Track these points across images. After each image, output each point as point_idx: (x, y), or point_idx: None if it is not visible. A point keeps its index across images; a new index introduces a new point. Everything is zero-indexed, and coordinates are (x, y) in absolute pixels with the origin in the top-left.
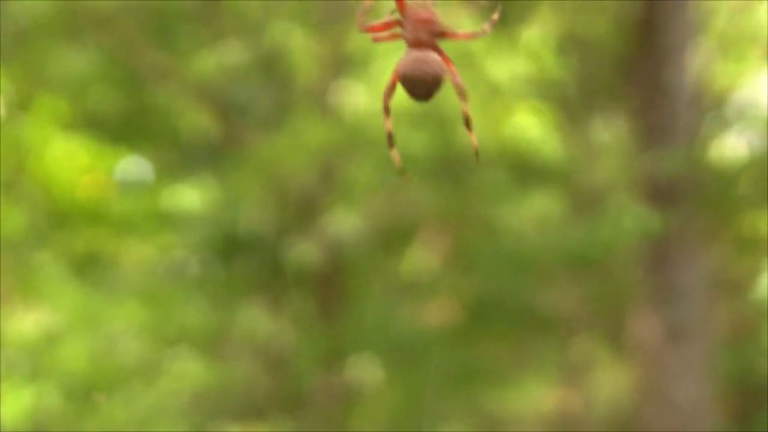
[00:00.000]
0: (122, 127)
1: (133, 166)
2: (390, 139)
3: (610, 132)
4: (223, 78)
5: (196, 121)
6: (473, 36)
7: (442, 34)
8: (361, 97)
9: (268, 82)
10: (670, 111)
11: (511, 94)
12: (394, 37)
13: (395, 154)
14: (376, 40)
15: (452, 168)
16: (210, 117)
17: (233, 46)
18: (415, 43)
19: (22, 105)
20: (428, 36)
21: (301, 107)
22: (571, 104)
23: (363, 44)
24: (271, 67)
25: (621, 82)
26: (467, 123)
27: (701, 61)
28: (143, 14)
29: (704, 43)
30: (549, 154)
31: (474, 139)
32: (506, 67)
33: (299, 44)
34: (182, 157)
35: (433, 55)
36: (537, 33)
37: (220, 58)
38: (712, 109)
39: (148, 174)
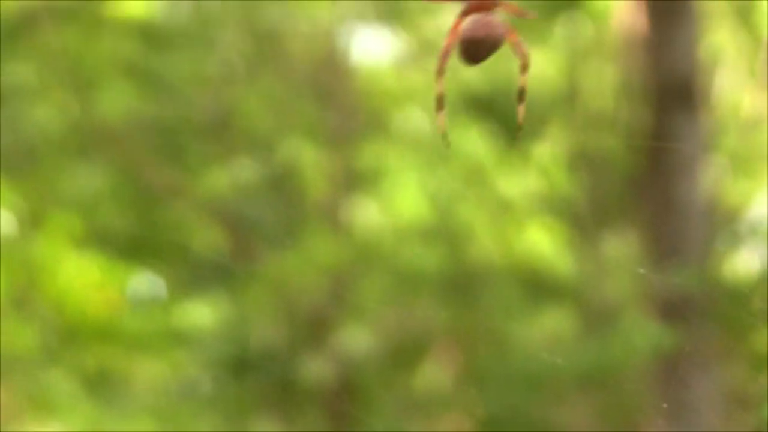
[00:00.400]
0: (134, 243)
1: (145, 283)
2: (440, 102)
3: (621, 248)
4: (234, 194)
5: (208, 237)
6: (523, 14)
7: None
8: (372, 213)
9: (279, 199)
10: (682, 227)
11: (522, 210)
12: None
13: (442, 118)
14: None
15: (464, 284)
16: (221, 233)
17: (244, 163)
18: (476, 6)
19: (33, 222)
20: None
21: (312, 223)
22: (582, 220)
23: (374, 160)
24: (282, 184)
25: (632, 198)
26: (521, 96)
27: (713, 178)
28: (154, 132)
29: (716, 160)
30: (560, 271)
31: (522, 110)
32: (517, 183)
33: (310, 161)
34: (194, 274)
35: (496, 18)
36: (548, 150)
37: (232, 175)
38: (724, 225)
39: (160, 290)
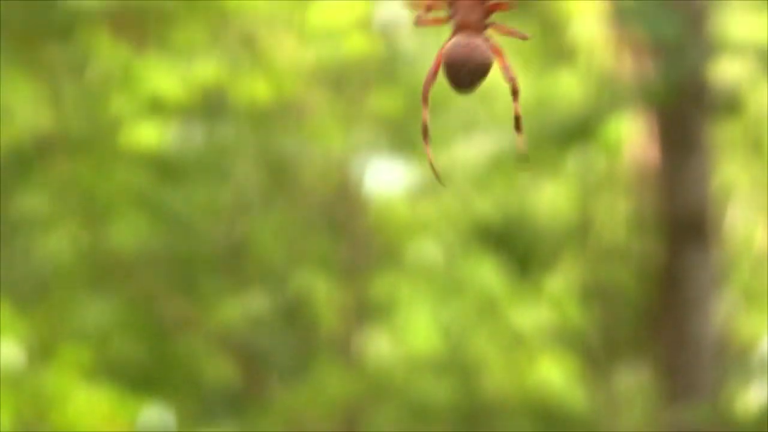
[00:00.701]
0: (144, 375)
1: (155, 415)
2: (425, 132)
3: (633, 382)
4: (246, 326)
5: (219, 368)
6: (517, 35)
7: (489, 21)
8: (384, 345)
9: (292, 330)
10: (694, 362)
11: (534, 342)
12: (438, 21)
13: (428, 149)
14: (420, 23)
15: (476, 416)
16: (233, 365)
17: (257, 295)
18: (462, 27)
19: (43, 353)
20: (477, 19)
21: (324, 355)
22: (595, 353)
23: (387, 292)
24: (295, 315)
25: (644, 332)
26: (517, 124)
27: (725, 312)
28: (166, 263)
29: (728, 294)
30: (573, 404)
31: (520, 139)
32: (530, 315)
33: (323, 292)
34: (205, 406)
35: (482, 41)
36: (560, 282)
37: (244, 307)
38: (736, 360)
39: (170, 423)
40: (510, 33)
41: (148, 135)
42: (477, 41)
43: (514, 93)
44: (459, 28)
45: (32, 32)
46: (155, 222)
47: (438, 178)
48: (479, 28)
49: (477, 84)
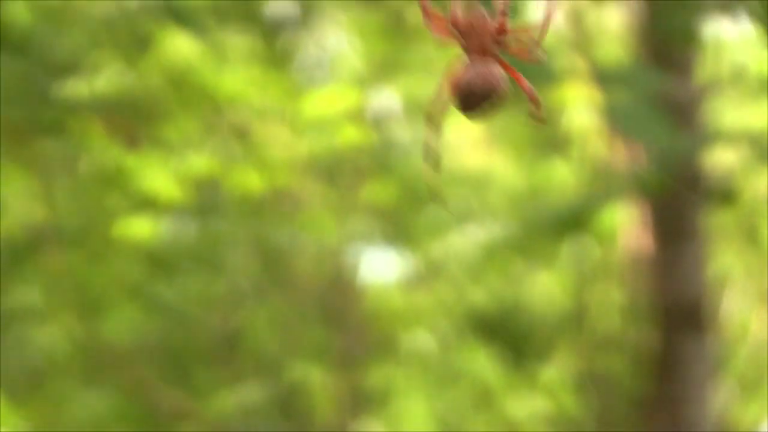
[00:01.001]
0: None
1: None
2: (427, 151)
3: None
4: (241, 416)
5: None
6: (531, 58)
7: (501, 44)
8: None
9: (287, 420)
10: None
11: (530, 431)
12: (449, 34)
13: (427, 170)
14: (435, 31)
15: None
16: None
17: (251, 385)
18: (475, 51)
19: None
20: (489, 43)
21: None
22: None
23: (382, 381)
24: (290, 405)
25: (640, 422)
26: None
27: (722, 401)
28: (161, 355)
29: (724, 382)
30: None
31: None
32: (525, 404)
33: (318, 382)
34: None
35: (496, 66)
36: (555, 372)
37: (239, 397)
38: None
39: None
40: (524, 56)
41: (141, 228)
42: (491, 68)
43: (535, 103)
44: (471, 50)
45: (25, 127)
46: (149, 313)
47: (436, 162)
48: (492, 51)
49: (489, 111)
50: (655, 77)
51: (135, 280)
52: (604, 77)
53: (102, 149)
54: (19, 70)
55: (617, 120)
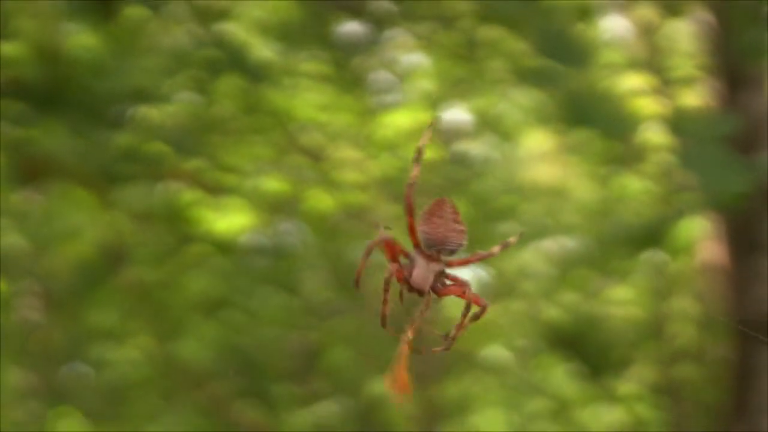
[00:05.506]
0: None
1: None
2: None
3: None
4: None
5: None
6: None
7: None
8: None
9: None
10: None
11: None
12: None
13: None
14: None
15: None
16: None
17: (329, 403)
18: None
19: None
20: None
21: None
22: None
23: (459, 395)
24: (368, 422)
25: (718, 430)
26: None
27: None
28: (239, 373)
29: None
30: None
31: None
32: (602, 417)
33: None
34: None
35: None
36: (632, 385)
37: (317, 416)
38: None
39: None
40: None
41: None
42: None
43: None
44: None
45: (99, 176)
46: (227, 333)
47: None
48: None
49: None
50: (728, 120)
51: (212, 300)
52: (677, 123)
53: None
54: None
55: (689, 163)
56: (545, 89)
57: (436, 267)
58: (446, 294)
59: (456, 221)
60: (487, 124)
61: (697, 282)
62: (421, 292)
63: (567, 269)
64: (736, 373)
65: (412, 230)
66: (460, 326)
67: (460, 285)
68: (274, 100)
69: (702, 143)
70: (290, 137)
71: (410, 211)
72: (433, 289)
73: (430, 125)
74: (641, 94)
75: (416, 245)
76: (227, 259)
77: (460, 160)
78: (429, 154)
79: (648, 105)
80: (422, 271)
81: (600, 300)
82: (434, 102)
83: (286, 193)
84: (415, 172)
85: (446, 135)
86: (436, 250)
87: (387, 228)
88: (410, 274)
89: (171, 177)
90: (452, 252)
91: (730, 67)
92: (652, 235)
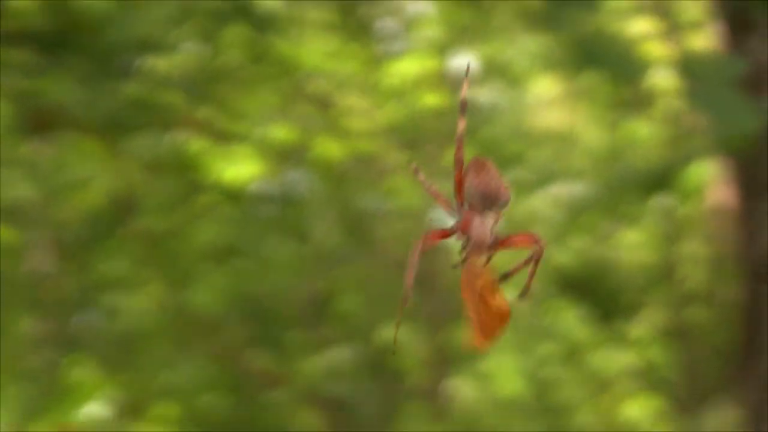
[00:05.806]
0: (232, 429)
1: None
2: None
3: (719, 423)
4: (331, 378)
5: (306, 421)
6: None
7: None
8: (470, 393)
9: (377, 381)
10: None
11: (620, 385)
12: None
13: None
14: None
15: None
16: (319, 417)
17: (341, 349)
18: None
19: (132, 412)
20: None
21: (411, 404)
22: (681, 395)
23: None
24: (380, 367)
25: (729, 374)
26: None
27: None
28: (250, 321)
29: None
30: None
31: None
32: (615, 360)
33: (407, 343)
34: None
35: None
36: (644, 328)
37: (329, 361)
38: None
39: None
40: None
41: (227, 198)
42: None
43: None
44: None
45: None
46: (237, 281)
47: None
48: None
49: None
50: (735, 63)
51: (222, 249)
52: (685, 66)
53: (183, 142)
54: (90, 68)
55: (698, 105)
56: (553, 34)
57: (490, 222)
58: (508, 245)
59: (501, 176)
60: (494, 70)
61: (707, 225)
62: (480, 250)
63: (576, 214)
64: (747, 314)
65: (459, 186)
66: (533, 273)
67: (524, 234)
68: (281, 49)
69: (710, 86)
70: (297, 86)
71: (460, 166)
72: (494, 243)
73: (467, 73)
74: (649, 38)
75: (461, 203)
76: (236, 207)
77: (468, 108)
78: (435, 101)
79: (656, 49)
80: (481, 227)
81: (610, 244)
82: (441, 49)
83: (294, 142)
84: (461, 125)
85: (453, 83)
86: (488, 205)
87: (415, 168)
88: (469, 232)
89: (179, 126)
90: (502, 207)
91: (736, 11)
92: (661, 179)
